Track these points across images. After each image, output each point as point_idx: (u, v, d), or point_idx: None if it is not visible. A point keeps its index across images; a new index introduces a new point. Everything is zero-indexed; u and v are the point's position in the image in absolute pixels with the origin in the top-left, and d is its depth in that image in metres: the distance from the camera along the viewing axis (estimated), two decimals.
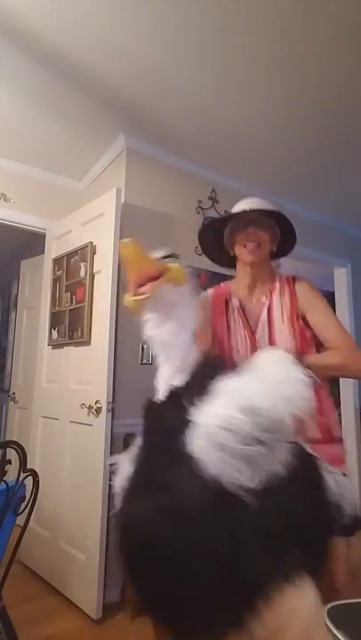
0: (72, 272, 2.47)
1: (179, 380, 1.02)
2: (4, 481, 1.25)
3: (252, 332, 1.31)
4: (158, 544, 0.80)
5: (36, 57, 1.93)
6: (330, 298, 3.97)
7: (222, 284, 1.48)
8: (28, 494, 1.37)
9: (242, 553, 0.77)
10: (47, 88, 2.14)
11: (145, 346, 2.35)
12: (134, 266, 1.02)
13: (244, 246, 1.34)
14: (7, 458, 1.30)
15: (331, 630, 0.79)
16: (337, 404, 4.14)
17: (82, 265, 2.37)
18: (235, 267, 1.46)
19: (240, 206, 1.39)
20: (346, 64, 1.95)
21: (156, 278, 1.00)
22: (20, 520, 1.37)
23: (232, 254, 1.42)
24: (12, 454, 1.33)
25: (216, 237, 1.43)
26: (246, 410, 0.84)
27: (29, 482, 1.36)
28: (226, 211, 2.91)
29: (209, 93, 2.16)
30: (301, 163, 2.80)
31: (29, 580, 2.32)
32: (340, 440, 1.26)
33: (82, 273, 2.37)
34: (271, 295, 1.34)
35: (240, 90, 2.13)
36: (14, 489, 1.28)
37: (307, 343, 1.25)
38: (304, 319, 1.28)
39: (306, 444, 1.06)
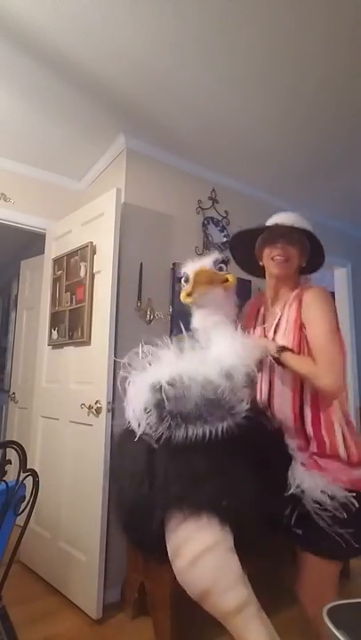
0: (72, 272, 2.47)
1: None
2: (4, 481, 1.25)
3: None
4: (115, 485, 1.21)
5: (35, 57, 1.93)
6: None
7: (264, 290, 1.55)
8: (28, 494, 1.37)
9: (148, 492, 1.02)
10: (47, 88, 2.14)
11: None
12: (201, 283, 1.31)
13: (272, 259, 1.39)
14: (7, 458, 1.30)
15: (331, 630, 0.79)
16: None
17: (82, 265, 2.37)
18: (263, 276, 1.50)
19: (274, 219, 1.43)
20: (346, 64, 1.95)
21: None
22: (20, 520, 1.36)
23: (261, 264, 1.46)
24: (12, 454, 1.33)
25: (247, 246, 1.48)
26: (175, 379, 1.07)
27: (29, 482, 1.36)
28: (226, 211, 2.92)
29: (209, 93, 2.16)
30: (301, 163, 2.80)
31: (29, 579, 2.32)
32: (344, 461, 1.20)
33: (82, 273, 2.37)
34: (284, 308, 1.39)
35: (240, 90, 2.13)
36: (14, 489, 1.28)
37: (304, 352, 1.27)
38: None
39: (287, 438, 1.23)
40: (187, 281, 1.36)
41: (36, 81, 2.09)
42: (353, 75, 2.01)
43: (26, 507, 1.36)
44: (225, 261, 1.37)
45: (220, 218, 2.89)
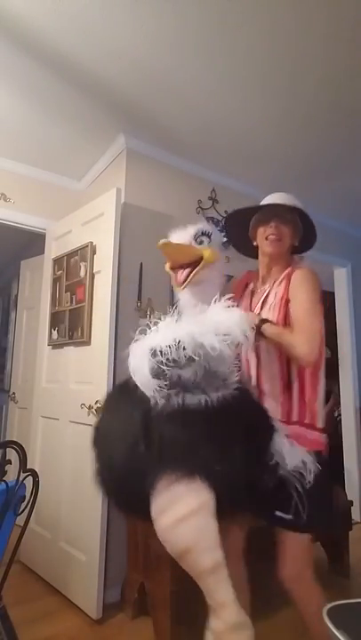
0: (72, 272, 2.47)
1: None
2: (4, 481, 1.25)
3: None
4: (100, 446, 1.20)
5: (35, 57, 1.93)
6: (330, 298, 3.98)
7: (255, 270, 1.58)
8: (28, 494, 1.37)
9: (144, 453, 1.05)
10: (47, 88, 2.14)
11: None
12: (174, 259, 1.28)
13: (266, 238, 1.43)
14: (7, 458, 1.30)
15: (331, 630, 0.79)
16: (336, 403, 4.14)
17: (82, 265, 2.37)
18: (257, 257, 1.53)
19: (268, 200, 1.47)
20: (346, 64, 1.95)
21: (194, 263, 1.27)
22: (20, 520, 1.36)
23: (255, 244, 1.50)
24: (12, 454, 1.33)
25: (241, 227, 1.52)
26: (180, 338, 1.08)
27: (29, 482, 1.36)
28: (226, 211, 2.92)
29: (209, 93, 2.16)
30: (302, 163, 2.80)
31: (29, 579, 2.32)
32: (319, 430, 1.33)
33: (82, 273, 2.37)
34: (273, 285, 1.43)
35: (240, 90, 2.13)
36: (14, 489, 1.28)
37: (289, 326, 1.32)
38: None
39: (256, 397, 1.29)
40: None
41: (36, 81, 2.09)
42: (353, 75, 2.01)
43: (26, 507, 1.36)
44: (206, 233, 1.32)
45: (220, 218, 2.89)
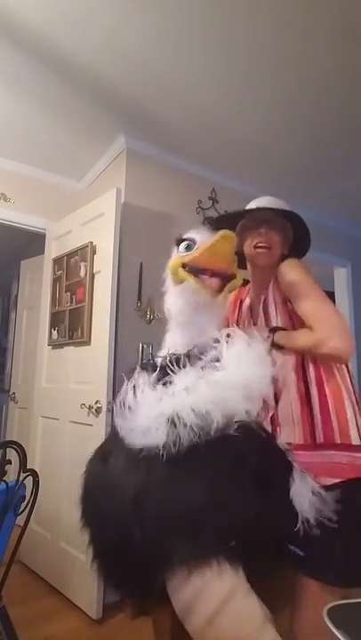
0: (72, 272, 2.47)
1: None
2: (4, 481, 1.25)
3: None
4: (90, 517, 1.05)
5: (36, 57, 1.93)
6: (330, 298, 3.98)
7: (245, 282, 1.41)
8: (28, 494, 1.37)
9: (144, 537, 0.85)
10: (47, 88, 2.14)
11: (145, 346, 2.35)
12: (228, 260, 1.12)
13: (255, 247, 1.28)
14: (7, 458, 1.31)
15: (331, 630, 0.78)
16: None
17: (82, 265, 2.37)
18: (245, 266, 1.39)
19: (255, 203, 1.34)
20: (348, 64, 1.95)
21: (225, 276, 1.13)
22: (20, 520, 1.36)
23: (241, 252, 1.34)
24: (12, 454, 1.33)
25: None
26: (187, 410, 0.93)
27: (29, 482, 1.36)
28: (226, 211, 2.91)
29: (210, 93, 2.16)
30: (302, 163, 2.80)
31: (29, 579, 2.32)
32: (355, 449, 1.07)
33: (82, 273, 2.37)
34: (268, 292, 1.30)
35: (241, 90, 2.13)
36: (14, 489, 1.28)
37: (295, 327, 1.19)
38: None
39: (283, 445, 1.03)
40: (188, 248, 1.14)
41: (37, 81, 2.09)
42: (355, 75, 2.01)
43: (26, 507, 1.36)
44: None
45: None
